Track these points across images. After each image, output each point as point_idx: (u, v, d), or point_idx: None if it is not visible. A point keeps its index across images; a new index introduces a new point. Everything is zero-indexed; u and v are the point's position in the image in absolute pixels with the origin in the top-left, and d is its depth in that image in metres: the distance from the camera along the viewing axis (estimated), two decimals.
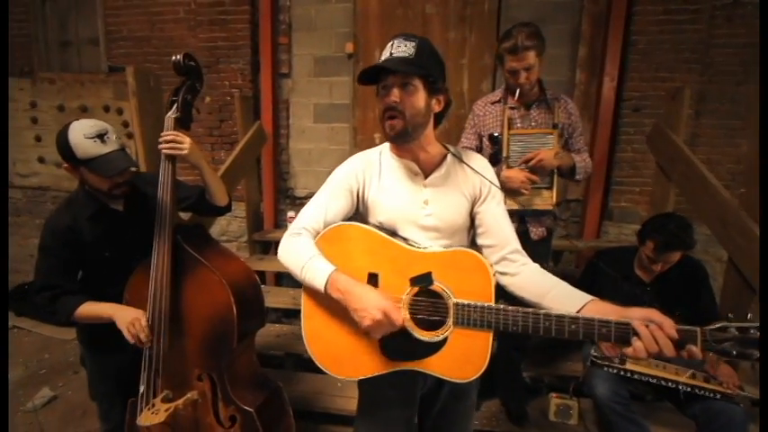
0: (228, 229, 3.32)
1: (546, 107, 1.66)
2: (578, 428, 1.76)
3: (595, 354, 1.63)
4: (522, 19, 2.91)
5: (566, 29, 2.95)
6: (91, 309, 1.27)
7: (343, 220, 1.03)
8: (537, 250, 1.65)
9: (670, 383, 1.52)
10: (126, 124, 3.35)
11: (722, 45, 2.80)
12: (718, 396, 1.47)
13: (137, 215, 1.35)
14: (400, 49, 0.91)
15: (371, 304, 0.85)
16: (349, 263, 0.96)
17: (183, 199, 1.43)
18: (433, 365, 0.94)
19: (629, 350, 0.75)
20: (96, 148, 1.19)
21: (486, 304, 0.88)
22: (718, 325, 0.72)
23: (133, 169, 1.28)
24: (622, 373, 1.58)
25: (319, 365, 1.01)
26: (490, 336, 0.89)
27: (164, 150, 1.26)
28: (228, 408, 1.30)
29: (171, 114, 1.31)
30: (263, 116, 3.22)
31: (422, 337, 0.92)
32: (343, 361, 0.99)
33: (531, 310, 0.84)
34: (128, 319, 1.22)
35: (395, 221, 1.00)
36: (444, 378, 0.94)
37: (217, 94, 3.25)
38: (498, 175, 1.58)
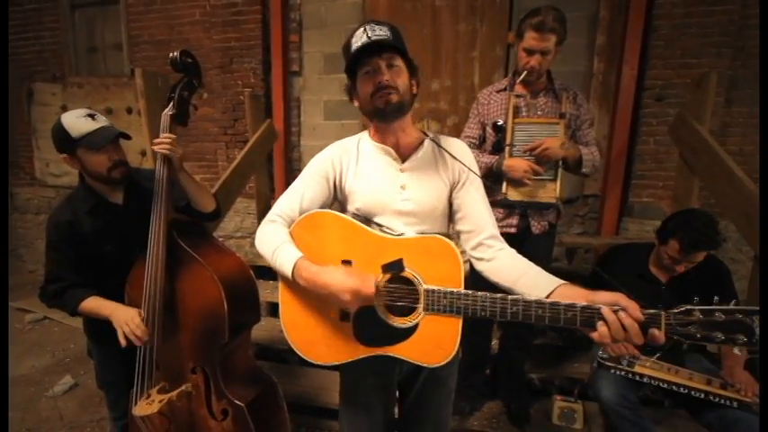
0: (243, 225, 3.40)
1: (553, 96, 1.59)
2: None
3: (603, 355, 1.55)
4: (535, 7, 2.84)
5: (583, 16, 2.82)
6: (94, 304, 1.33)
7: (321, 208, 1.03)
8: (538, 245, 1.60)
9: (682, 389, 1.42)
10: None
11: (756, 26, 2.59)
12: (735, 404, 1.36)
13: (135, 208, 1.39)
14: (377, 32, 0.91)
15: (338, 287, 0.86)
16: (323, 250, 0.97)
17: (177, 200, 1.46)
18: (406, 351, 0.94)
19: (594, 335, 0.74)
20: (88, 125, 1.27)
21: (454, 290, 0.88)
22: (682, 308, 0.70)
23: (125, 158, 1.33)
24: (630, 375, 1.49)
25: (297, 351, 1.02)
26: (459, 322, 0.89)
27: (161, 150, 1.28)
28: (221, 401, 1.33)
29: (167, 111, 1.34)
30: (274, 114, 3.27)
31: (394, 324, 0.93)
32: (319, 347, 1.00)
33: (499, 295, 0.83)
34: (122, 318, 1.26)
35: (372, 207, 1.00)
36: (416, 363, 0.95)
37: (230, 93, 3.33)
38: (501, 163, 1.54)
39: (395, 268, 0.89)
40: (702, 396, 1.40)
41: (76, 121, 1.27)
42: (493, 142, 1.61)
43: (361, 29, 0.93)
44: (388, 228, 0.99)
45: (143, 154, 3.32)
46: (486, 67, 2.97)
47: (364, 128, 3.45)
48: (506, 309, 0.82)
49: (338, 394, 1.92)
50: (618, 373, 1.51)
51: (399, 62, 0.94)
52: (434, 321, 0.91)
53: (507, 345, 1.77)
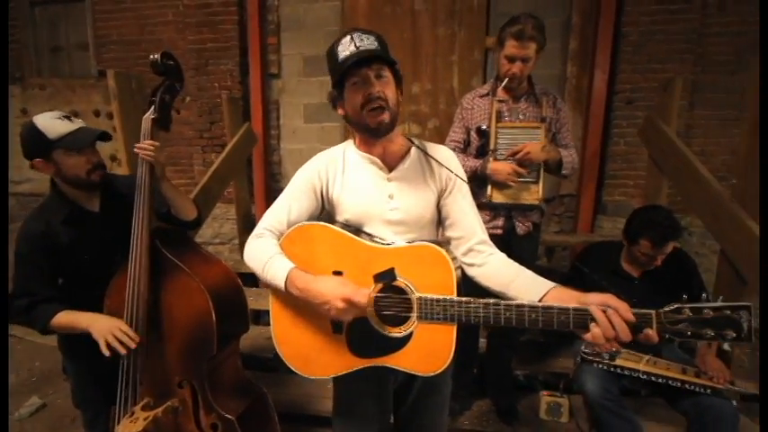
0: (221, 231, 3.31)
1: (534, 101, 1.64)
2: (569, 426, 1.74)
3: (585, 350, 1.60)
4: (511, 13, 2.88)
5: (556, 22, 2.91)
6: (67, 318, 1.25)
7: (309, 220, 1.02)
8: (523, 246, 1.64)
9: (660, 379, 1.49)
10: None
11: (715, 34, 2.77)
12: (709, 391, 1.44)
13: (113, 216, 1.33)
14: (365, 42, 0.90)
15: (332, 295, 0.85)
16: (314, 262, 0.96)
17: (158, 207, 1.41)
18: (401, 360, 0.94)
19: (587, 336, 0.76)
20: (66, 126, 1.22)
21: (447, 297, 0.88)
22: (672, 307, 0.72)
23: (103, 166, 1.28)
24: (612, 369, 1.55)
25: (289, 366, 1.00)
26: (453, 329, 0.89)
27: (143, 155, 1.24)
28: (210, 415, 1.29)
29: (149, 115, 1.29)
30: (252, 117, 3.20)
31: (388, 333, 0.93)
32: (312, 360, 0.99)
33: (492, 301, 0.84)
34: (104, 329, 1.20)
35: (360, 217, 0.99)
36: (412, 372, 0.94)
37: (206, 96, 3.24)
38: (485, 167, 1.57)
39: (387, 278, 0.89)
40: (679, 385, 1.47)
41: (53, 123, 1.21)
42: (477, 146, 1.64)
43: (348, 37, 0.91)
44: (377, 237, 0.98)
45: (113, 159, 3.18)
46: (465, 71, 3.02)
47: (345, 130, 3.43)
48: (500, 314, 0.82)
49: (329, 402, 1.92)
50: (600, 366, 1.57)
51: (387, 73, 0.93)
52: (429, 330, 0.91)
53: (494, 343, 1.81)
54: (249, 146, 3.00)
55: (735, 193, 1.84)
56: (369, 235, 0.99)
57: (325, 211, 1.07)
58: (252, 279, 2.89)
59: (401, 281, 0.91)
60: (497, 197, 1.59)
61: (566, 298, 0.81)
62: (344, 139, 3.22)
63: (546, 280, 0.87)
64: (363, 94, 0.92)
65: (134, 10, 3.31)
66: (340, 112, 1.01)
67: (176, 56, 1.34)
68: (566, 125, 1.67)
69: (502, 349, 1.80)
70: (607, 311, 0.74)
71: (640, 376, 1.52)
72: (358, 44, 0.90)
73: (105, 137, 1.31)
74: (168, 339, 1.29)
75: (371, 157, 1.01)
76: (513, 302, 0.83)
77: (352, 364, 0.96)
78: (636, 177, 2.89)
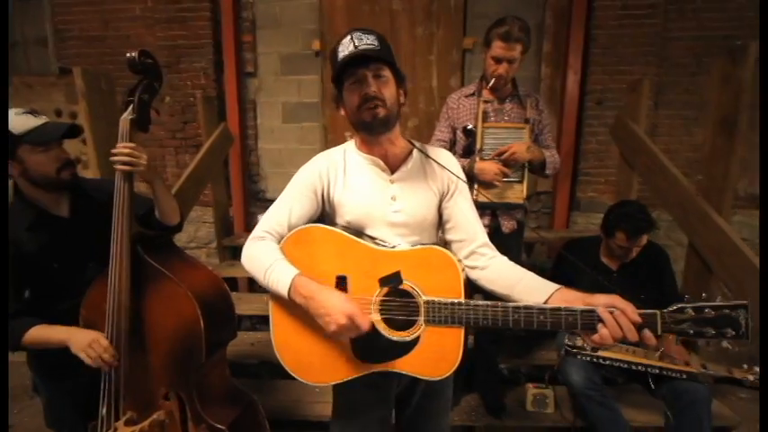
0: (197, 235, 3.20)
1: (518, 102, 1.68)
2: (555, 416, 1.79)
3: (569, 343, 1.66)
4: (487, 14, 2.97)
5: (530, 24, 2.97)
6: (41, 333, 1.17)
7: (309, 222, 1.00)
8: (508, 243, 1.67)
9: (640, 367, 1.56)
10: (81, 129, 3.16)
11: (677, 38, 2.93)
12: (684, 376, 1.53)
13: (84, 221, 1.26)
14: (364, 41, 0.89)
15: (336, 309, 0.83)
16: (316, 266, 0.93)
17: (135, 210, 1.34)
18: (407, 365, 0.93)
19: (595, 337, 0.77)
20: (32, 121, 1.15)
21: (455, 300, 0.88)
22: (675, 307, 0.74)
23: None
24: (595, 360, 1.62)
25: (291, 373, 0.98)
26: (462, 332, 0.89)
27: (118, 167, 1.15)
28: (199, 427, 1.23)
29: (126, 116, 1.21)
30: (228, 117, 3.11)
31: (394, 338, 0.91)
32: (316, 367, 0.96)
33: (500, 303, 0.85)
34: (84, 342, 1.13)
35: (362, 220, 0.98)
36: (419, 377, 0.94)
37: (179, 95, 3.12)
38: (472, 167, 1.59)
39: (393, 281, 0.87)
40: (657, 372, 1.55)
41: (17, 118, 1.14)
42: (464, 146, 1.67)
43: (348, 37, 0.91)
44: (380, 240, 0.97)
45: (78, 161, 3.01)
46: (443, 71, 3.06)
47: (325, 130, 3.38)
48: (508, 316, 0.82)
49: (317, 406, 1.91)
50: (584, 358, 1.63)
51: (387, 72, 0.92)
52: (436, 333, 0.90)
53: (481, 340, 1.84)
54: (226, 146, 2.92)
55: (700, 188, 1.96)
56: (371, 237, 0.97)
57: (324, 215, 1.05)
58: (234, 284, 2.82)
59: (407, 284, 0.90)
60: (483, 197, 1.61)
61: (571, 299, 0.82)
62: (325, 138, 3.22)
63: (551, 282, 0.88)
64: (359, 93, 0.91)
65: (96, 4, 3.14)
66: (342, 112, 0.99)
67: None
68: (547, 126, 1.72)
69: (488, 345, 1.83)
70: (614, 313, 0.75)
71: (622, 366, 1.59)
72: (357, 44, 0.89)
73: (75, 131, 1.23)
74: (153, 350, 1.23)
75: (374, 158, 1.00)
76: (522, 304, 0.83)
77: (358, 369, 0.94)
78: (607, 174, 3.02)
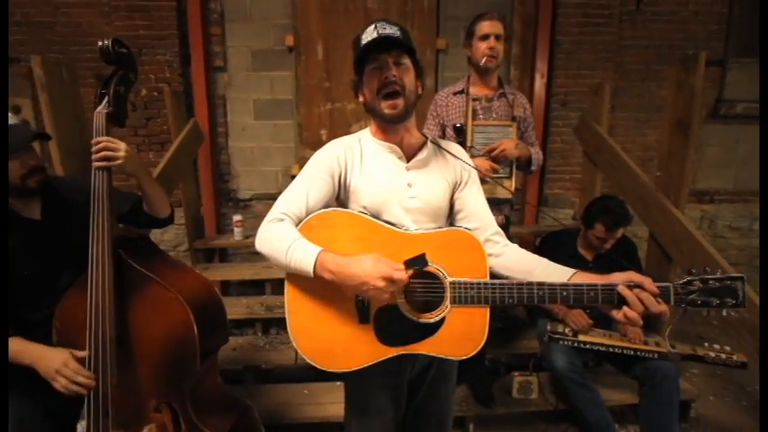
0: (164, 238, 3.02)
1: (505, 100, 1.75)
2: (539, 401, 1.88)
3: (551, 330, 1.76)
4: (459, 17, 3.06)
5: None
6: (12, 349, 1.07)
7: (326, 207, 0.99)
8: None
9: (617, 349, 1.69)
10: (26, 124, 2.87)
11: (630, 46, 3.18)
12: (656, 356, 1.67)
13: (58, 224, 1.16)
14: (386, 30, 0.91)
15: (370, 275, 0.81)
16: (337, 251, 0.91)
17: (117, 209, 1.25)
18: (433, 346, 0.94)
19: (619, 315, 0.82)
20: None
21: (482, 281, 0.90)
22: (685, 279, 0.81)
23: (46, 143, 1.17)
24: (576, 344, 1.72)
25: (310, 361, 0.95)
26: (488, 311, 0.92)
27: (96, 163, 1.08)
28: None
29: (101, 109, 1.13)
30: (197, 113, 2.97)
31: (420, 320, 0.92)
32: (336, 353, 0.95)
33: (524, 281, 0.89)
34: (51, 368, 1.04)
35: (380, 205, 0.98)
36: (443, 357, 0.95)
37: (141, 88, 2.92)
38: None
39: (419, 263, 0.87)
40: (633, 353, 1.68)
41: None
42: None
43: (372, 26, 0.92)
44: (398, 225, 0.98)
45: None
46: None
47: (299, 127, 3.30)
48: (533, 293, 0.87)
49: (308, 408, 1.87)
50: (565, 343, 1.74)
51: (407, 61, 0.95)
52: (462, 313, 0.92)
53: None
54: (196, 144, 2.78)
55: (659, 183, 2.14)
56: (388, 223, 0.98)
57: (338, 200, 1.04)
58: (219, 287, 2.69)
59: (433, 266, 0.91)
60: None
61: (591, 279, 0.87)
62: (298, 136, 3.14)
63: (567, 268, 0.93)
64: (380, 78, 0.92)
65: None
66: (360, 99, 1.00)
67: (93, 41, 1.20)
68: (531, 124, 1.81)
69: None
70: (633, 288, 0.81)
71: (600, 349, 1.70)
72: (380, 32, 0.90)
73: (42, 137, 1.15)
74: (142, 360, 1.15)
75: (391, 145, 1.01)
76: (546, 282, 0.88)
77: (382, 353, 0.94)
78: (571, 172, 3.21)
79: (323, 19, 2.99)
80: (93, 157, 1.08)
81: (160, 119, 2.94)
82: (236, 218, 2.89)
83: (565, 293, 0.86)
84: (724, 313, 0.77)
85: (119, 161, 1.10)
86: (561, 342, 1.74)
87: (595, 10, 3.04)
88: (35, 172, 1.10)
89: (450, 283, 0.91)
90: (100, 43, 1.12)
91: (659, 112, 3.09)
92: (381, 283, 0.81)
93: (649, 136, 3.30)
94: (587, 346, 1.71)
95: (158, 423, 1.17)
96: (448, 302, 0.92)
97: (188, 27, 2.91)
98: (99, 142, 1.08)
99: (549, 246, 1.98)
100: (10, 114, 1.07)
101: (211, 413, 1.25)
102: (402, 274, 0.83)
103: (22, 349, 1.08)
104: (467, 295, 0.90)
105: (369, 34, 0.91)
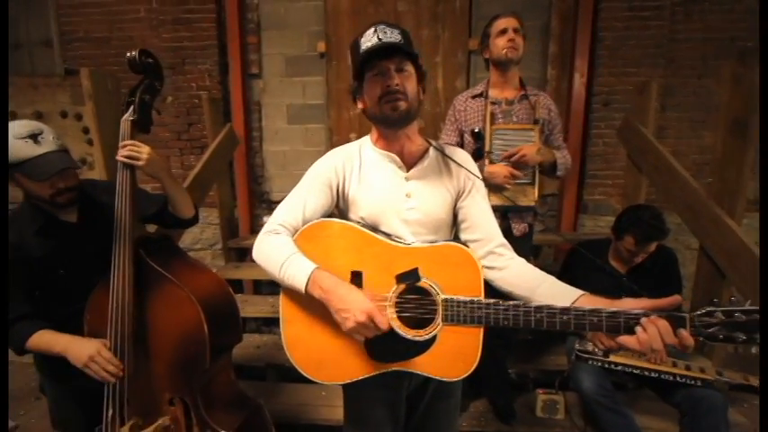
0: (202, 236, 3.19)
1: (527, 102, 1.66)
2: (565, 423, 1.76)
3: (580, 348, 1.63)
4: (492, 15, 2.95)
5: (536, 25, 2.98)
6: (44, 339, 1.16)
7: (323, 217, 0.98)
8: (519, 246, 1.62)
9: (653, 373, 1.54)
10: (86, 131, 3.15)
11: (683, 40, 2.91)
12: (699, 383, 1.50)
13: (93, 227, 1.24)
14: (388, 35, 0.89)
15: (355, 306, 0.81)
16: (331, 261, 0.91)
17: (143, 210, 1.33)
18: (423, 365, 0.91)
19: (633, 344, 0.73)
20: (28, 149, 1.08)
21: (475, 299, 0.86)
22: (704, 310, 0.71)
23: (77, 170, 1.19)
24: (606, 365, 1.59)
25: (301, 372, 0.96)
26: (481, 331, 0.87)
27: (119, 159, 1.17)
28: None
29: (127, 117, 1.21)
30: (233, 118, 3.10)
31: (410, 337, 0.89)
32: (328, 365, 0.94)
33: (521, 303, 0.83)
34: (84, 354, 1.11)
35: (377, 216, 0.96)
36: (435, 377, 0.92)
37: (183, 96, 3.11)
38: (481, 170, 1.57)
39: (410, 278, 0.85)
40: (671, 378, 1.52)
41: (15, 143, 1.07)
42: (472, 149, 1.64)
43: (372, 29, 0.90)
44: (395, 237, 0.96)
45: (84, 162, 3.00)
46: (449, 73, 3.04)
47: (330, 132, 3.36)
48: (530, 316, 0.80)
49: (323, 409, 1.89)
50: (595, 363, 1.61)
51: (409, 67, 0.92)
52: (454, 332, 0.87)
53: (490, 344, 1.81)
54: (231, 148, 2.91)
55: (711, 191, 1.93)
56: (386, 234, 0.95)
57: (337, 210, 1.03)
58: (239, 286, 2.80)
59: (425, 281, 0.88)
60: (494, 200, 1.59)
61: (598, 304, 0.79)
62: (329, 140, 3.20)
63: (574, 288, 0.85)
64: (382, 85, 0.90)
65: (101, 5, 3.14)
66: (360, 105, 0.99)
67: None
68: (557, 126, 1.70)
69: (498, 349, 1.80)
70: (650, 317, 0.72)
71: (634, 372, 1.56)
72: (381, 36, 0.88)
73: (72, 167, 1.18)
74: (157, 355, 1.21)
75: (390, 154, 0.98)
76: (544, 305, 0.81)
77: (371, 369, 0.93)
78: (614, 177, 2.99)
79: (353, 24, 3.02)
80: (118, 154, 1.16)
81: (200, 124, 3.10)
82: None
83: (565, 318, 0.78)
84: (753, 351, 0.66)
85: (141, 162, 1.18)
86: (590, 362, 1.61)
87: (643, 2, 2.81)
88: (64, 192, 1.17)
89: (443, 300, 0.87)
90: (128, 54, 1.20)
91: (718, 111, 2.81)
92: (362, 318, 0.80)
93: (706, 138, 2.99)
94: (619, 368, 1.58)
95: (171, 415, 1.23)
96: (440, 320, 0.88)
97: (227, 37, 3.06)
98: (125, 145, 1.17)
99: (578, 256, 1.84)
100: (31, 141, 1.11)
101: (222, 410, 1.28)
102: (385, 323, 0.82)
103: (52, 340, 1.16)
104: (459, 314, 0.86)
105: (368, 38, 0.89)
